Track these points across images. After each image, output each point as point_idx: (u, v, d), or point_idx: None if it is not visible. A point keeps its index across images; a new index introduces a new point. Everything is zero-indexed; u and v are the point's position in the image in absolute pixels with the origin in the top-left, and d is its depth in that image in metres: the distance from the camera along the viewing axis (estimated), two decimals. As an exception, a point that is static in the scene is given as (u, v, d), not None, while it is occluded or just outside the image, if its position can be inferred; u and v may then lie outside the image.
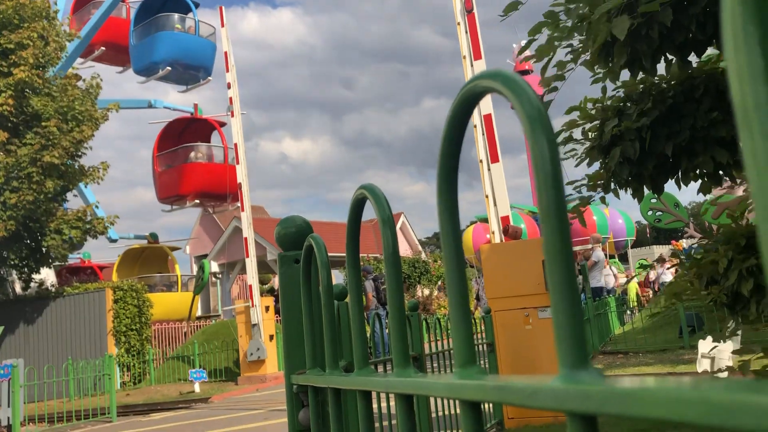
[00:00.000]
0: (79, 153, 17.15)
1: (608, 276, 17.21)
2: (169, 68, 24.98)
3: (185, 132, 26.81)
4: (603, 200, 4.37)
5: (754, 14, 0.30)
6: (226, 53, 17.14)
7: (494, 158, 12.19)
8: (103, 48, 26.02)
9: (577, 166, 4.21)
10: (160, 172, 26.07)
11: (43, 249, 17.08)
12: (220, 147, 26.37)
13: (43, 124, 16.04)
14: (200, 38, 25.98)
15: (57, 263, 18.84)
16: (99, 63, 26.70)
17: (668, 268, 19.50)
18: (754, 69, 0.29)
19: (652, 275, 22.29)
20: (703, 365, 7.24)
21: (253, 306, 15.58)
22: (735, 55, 0.30)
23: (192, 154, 25.72)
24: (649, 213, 12.77)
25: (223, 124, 26.98)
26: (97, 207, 19.58)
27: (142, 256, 26.00)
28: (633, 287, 21.63)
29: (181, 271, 25.41)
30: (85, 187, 20.31)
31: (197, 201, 26.06)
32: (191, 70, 25.96)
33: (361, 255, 0.99)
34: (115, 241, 24.60)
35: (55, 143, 15.91)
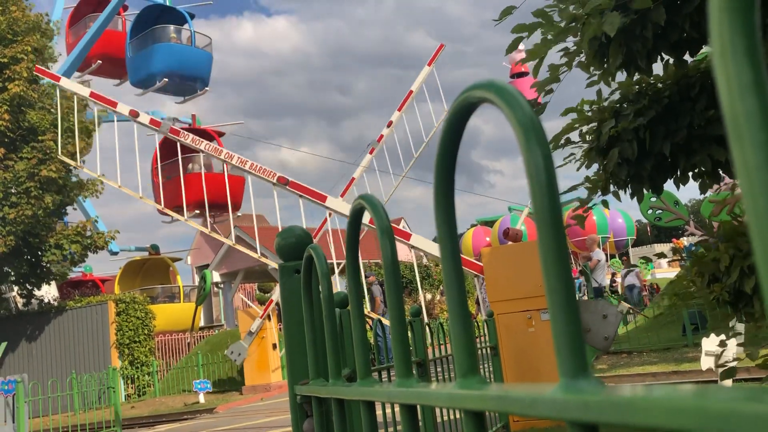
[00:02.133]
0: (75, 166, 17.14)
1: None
2: (166, 80, 25.03)
3: (184, 143, 26.82)
4: (605, 204, 4.37)
5: (741, 26, 0.30)
6: None
7: (406, 237, 12.19)
8: (100, 61, 26.07)
9: (578, 170, 4.21)
10: (159, 184, 26.09)
11: (44, 265, 17.07)
12: (219, 157, 26.39)
13: (40, 138, 16.04)
14: (197, 49, 26.03)
15: (59, 278, 18.84)
16: (96, 76, 26.76)
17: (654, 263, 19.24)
18: (742, 80, 0.30)
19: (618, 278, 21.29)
20: (706, 363, 7.23)
21: (261, 318, 15.47)
22: (723, 66, 0.30)
23: (191, 165, 25.74)
24: (649, 212, 12.78)
25: (221, 134, 27.01)
26: (96, 221, 19.55)
27: (143, 268, 25.99)
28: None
29: (183, 282, 25.40)
30: (84, 200, 20.31)
31: (197, 211, 26.06)
32: (188, 81, 26.01)
33: (362, 261, 0.99)
34: (116, 253, 24.60)
35: (52, 157, 15.91)
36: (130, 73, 25.86)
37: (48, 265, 17.02)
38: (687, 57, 3.78)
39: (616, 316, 6.70)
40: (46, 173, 15.74)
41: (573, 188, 4.35)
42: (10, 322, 18.05)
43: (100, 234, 17.69)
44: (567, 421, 0.42)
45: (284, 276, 1.48)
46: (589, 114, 4.15)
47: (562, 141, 4.20)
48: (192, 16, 26.22)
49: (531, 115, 0.48)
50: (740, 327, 6.92)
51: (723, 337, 4.99)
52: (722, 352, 6.23)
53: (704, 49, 3.82)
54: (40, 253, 16.79)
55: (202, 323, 25.32)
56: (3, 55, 16.26)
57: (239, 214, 27.30)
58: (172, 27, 25.67)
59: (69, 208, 18.33)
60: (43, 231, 16.36)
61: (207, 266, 28.05)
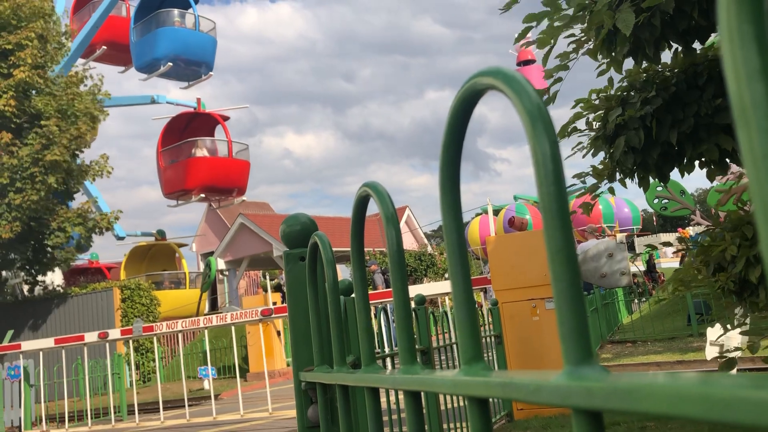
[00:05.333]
0: (79, 150, 17.09)
1: None
2: (171, 64, 24.99)
3: (189, 127, 26.86)
4: (611, 191, 4.36)
5: (750, 11, 0.30)
6: None
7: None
8: (104, 47, 26.05)
9: (584, 157, 4.20)
10: (164, 168, 26.12)
11: (48, 250, 17.09)
12: (224, 141, 26.41)
13: (43, 123, 16.03)
14: (201, 33, 25.97)
15: (64, 264, 18.87)
16: (100, 63, 26.75)
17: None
18: (750, 67, 0.29)
19: None
20: (711, 352, 7.22)
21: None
22: (731, 52, 0.30)
23: (196, 149, 25.76)
24: (655, 201, 12.73)
25: (226, 118, 27.00)
26: (96, 201, 19.50)
27: (149, 254, 26.09)
28: None
29: (189, 268, 25.48)
30: (92, 182, 20.23)
31: (202, 195, 26.11)
32: (193, 65, 25.98)
33: (366, 249, 0.99)
34: (122, 238, 24.69)
35: (55, 142, 15.90)
36: (135, 57, 25.83)
37: (53, 251, 17.05)
38: (696, 45, 3.76)
39: (618, 247, 6.71)
40: (50, 158, 15.73)
41: (580, 175, 4.34)
42: (15, 308, 18.14)
43: (103, 215, 17.69)
44: (571, 408, 0.42)
45: (289, 263, 1.48)
46: (596, 102, 4.13)
47: (569, 130, 4.19)
48: (196, 1, 26.14)
49: (538, 103, 0.48)
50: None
51: (729, 327, 4.98)
52: (723, 343, 6.23)
53: (712, 38, 3.79)
54: (43, 238, 16.80)
55: (207, 310, 25.41)
56: (8, 41, 16.22)
57: (244, 198, 27.34)
58: (176, 11, 25.60)
59: (76, 194, 18.32)
60: (47, 215, 16.37)
61: (211, 253, 28.11)
